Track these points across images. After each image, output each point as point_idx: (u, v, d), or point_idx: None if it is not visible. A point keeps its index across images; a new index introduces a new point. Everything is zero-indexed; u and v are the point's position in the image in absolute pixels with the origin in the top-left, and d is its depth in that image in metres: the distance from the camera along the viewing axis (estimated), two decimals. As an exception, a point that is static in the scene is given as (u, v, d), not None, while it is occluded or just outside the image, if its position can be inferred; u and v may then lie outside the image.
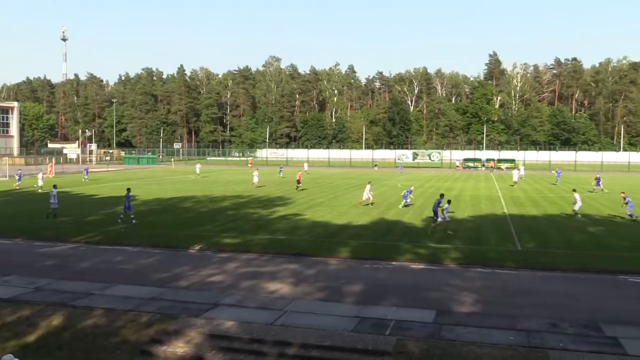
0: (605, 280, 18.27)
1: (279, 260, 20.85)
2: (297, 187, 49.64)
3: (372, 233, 26.60)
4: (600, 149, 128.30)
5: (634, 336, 12.88)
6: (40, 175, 51.43)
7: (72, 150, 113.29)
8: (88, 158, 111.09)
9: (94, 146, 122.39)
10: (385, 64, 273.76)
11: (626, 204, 32.70)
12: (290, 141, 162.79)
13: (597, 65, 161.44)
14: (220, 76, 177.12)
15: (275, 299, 15.86)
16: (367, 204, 36.74)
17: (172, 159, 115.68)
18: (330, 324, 13.60)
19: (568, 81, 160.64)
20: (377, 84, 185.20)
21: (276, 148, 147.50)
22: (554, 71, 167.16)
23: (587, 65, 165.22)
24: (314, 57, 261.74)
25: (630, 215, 31.70)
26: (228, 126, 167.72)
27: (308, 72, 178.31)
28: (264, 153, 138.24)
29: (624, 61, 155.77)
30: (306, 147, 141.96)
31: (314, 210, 34.78)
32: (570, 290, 17.14)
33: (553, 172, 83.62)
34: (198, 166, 76.86)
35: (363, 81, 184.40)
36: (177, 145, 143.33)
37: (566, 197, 44.15)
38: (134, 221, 29.12)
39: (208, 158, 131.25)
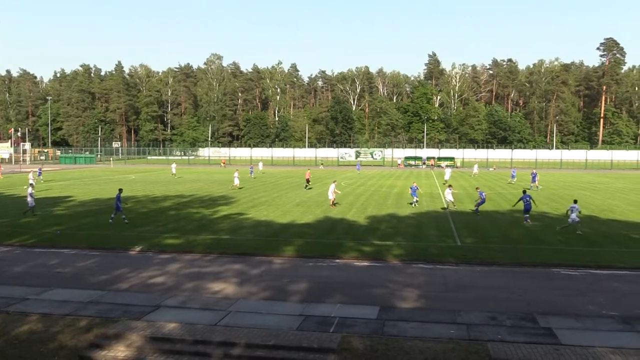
0: (540, 273, 18.97)
1: (223, 260, 20.65)
2: (307, 186, 49.72)
3: (316, 231, 26.69)
4: (534, 147, 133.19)
5: (567, 326, 13.44)
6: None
7: (4, 149, 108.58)
8: (22, 158, 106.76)
9: (27, 145, 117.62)
10: (328, 63, 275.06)
11: (479, 199, 34.49)
12: (233, 140, 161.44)
13: (531, 66, 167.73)
14: (160, 74, 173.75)
15: (219, 300, 15.71)
16: (335, 204, 36.78)
17: (111, 159, 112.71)
18: (275, 323, 13.58)
19: (504, 81, 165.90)
20: (320, 83, 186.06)
21: (219, 147, 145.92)
22: (491, 72, 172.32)
23: (522, 66, 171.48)
24: (257, 55, 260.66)
25: (476, 210, 33.62)
26: (169, 125, 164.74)
27: (250, 70, 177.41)
28: (206, 152, 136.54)
29: (556, 62, 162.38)
30: (249, 146, 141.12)
31: (257, 209, 34.61)
32: (508, 283, 17.71)
33: (491, 169, 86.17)
34: (174, 166, 72.26)
35: (306, 80, 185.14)
36: (116, 145, 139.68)
37: (503, 194, 45.62)
38: (125, 221, 28.78)
39: (148, 157, 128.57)
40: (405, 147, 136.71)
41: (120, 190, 31.66)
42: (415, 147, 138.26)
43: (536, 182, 51.23)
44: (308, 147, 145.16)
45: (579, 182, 61.33)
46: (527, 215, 29.99)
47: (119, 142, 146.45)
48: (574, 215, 26.93)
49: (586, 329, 13.36)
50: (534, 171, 56.54)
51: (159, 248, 22.74)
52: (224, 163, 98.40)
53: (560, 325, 13.47)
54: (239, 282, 17.60)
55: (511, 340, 12.49)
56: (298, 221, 29.75)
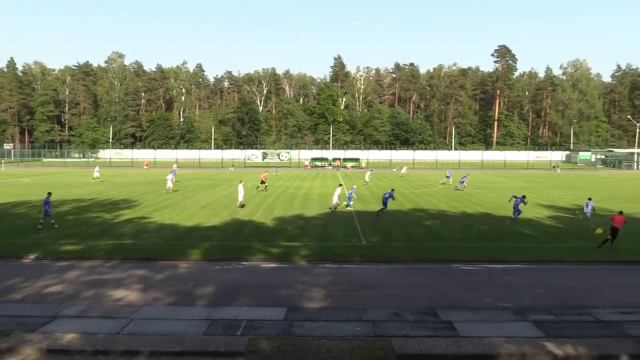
0: (441, 270, 19.77)
1: (126, 266, 19.93)
2: (262, 187, 48.94)
3: (223, 234, 26.38)
4: (435, 148, 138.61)
5: (466, 319, 14.09)
6: None
7: None
8: None
9: None
10: (234, 64, 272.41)
11: (348, 198, 36.70)
12: (136, 141, 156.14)
13: (431, 70, 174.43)
14: (57, 72, 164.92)
15: (122, 307, 15.15)
16: (242, 205, 36.34)
17: (2, 161, 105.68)
18: (181, 329, 13.28)
19: (406, 85, 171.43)
20: (226, 84, 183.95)
21: (120, 148, 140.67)
22: (394, 75, 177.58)
23: (423, 70, 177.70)
24: (161, 54, 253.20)
25: (348, 205, 36.14)
26: (67, 125, 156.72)
27: (154, 69, 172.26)
28: (107, 154, 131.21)
29: (454, 67, 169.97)
30: (153, 148, 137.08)
31: (161, 213, 33.69)
32: (411, 280, 18.32)
33: (399, 169, 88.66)
34: (96, 169, 65.86)
35: (212, 80, 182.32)
36: (7, 146, 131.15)
37: (407, 194, 47.07)
38: (55, 226, 27.37)
39: (44, 160, 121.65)
40: (312, 149, 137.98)
41: (49, 194, 29.70)
42: (322, 148, 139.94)
43: (449, 178, 52.61)
44: (214, 148, 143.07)
45: (476, 181, 64.46)
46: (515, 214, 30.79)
47: (11, 144, 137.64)
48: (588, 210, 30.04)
49: (483, 320, 14.07)
50: (449, 171, 59.87)
51: (56, 255, 21.58)
52: (146, 165, 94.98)
53: (460, 319, 14.10)
54: (142, 288, 17.05)
55: (414, 334, 12.93)
56: (204, 224, 29.27)
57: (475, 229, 28.27)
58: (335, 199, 35.33)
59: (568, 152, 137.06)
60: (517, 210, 30.91)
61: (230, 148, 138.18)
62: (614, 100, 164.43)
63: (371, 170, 69.04)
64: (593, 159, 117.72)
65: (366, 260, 21.02)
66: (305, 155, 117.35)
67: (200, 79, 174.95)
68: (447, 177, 61.57)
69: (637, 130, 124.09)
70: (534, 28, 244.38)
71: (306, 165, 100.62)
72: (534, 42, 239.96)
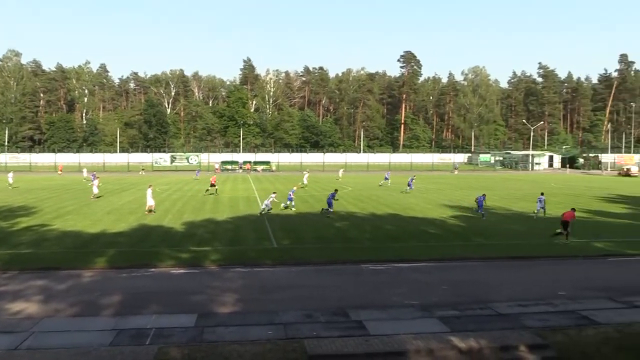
0: (351, 270, 20.13)
1: (24, 277, 18.81)
2: (212, 190, 49.06)
3: (130, 240, 25.52)
4: (344, 151, 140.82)
5: (375, 317, 14.42)
6: None
7: None
8: None
9: None
10: (141, 65, 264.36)
11: (290, 200, 37.67)
12: (35, 144, 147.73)
13: (340, 74, 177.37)
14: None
15: (20, 320, 14.28)
16: (152, 210, 35.19)
17: None
18: (86, 341, 12.70)
19: (316, 88, 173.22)
20: (132, 85, 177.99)
21: (17, 152, 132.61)
22: (304, 78, 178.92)
23: (332, 74, 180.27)
24: (61, 53, 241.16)
25: (286, 207, 37.15)
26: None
27: (54, 69, 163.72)
28: (3, 158, 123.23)
29: (362, 72, 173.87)
30: (53, 151, 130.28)
31: (63, 220, 32.09)
32: (322, 281, 18.53)
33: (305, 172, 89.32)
34: (10, 175, 60.61)
35: (117, 81, 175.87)
36: None
37: (316, 196, 47.56)
38: None
39: None
40: (222, 152, 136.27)
41: None
42: (232, 151, 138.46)
43: (412, 186, 52.84)
44: (120, 152, 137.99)
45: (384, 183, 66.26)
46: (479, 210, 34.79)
47: None
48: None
49: (392, 318, 14.46)
50: (387, 172, 64.27)
51: (-56, 267, 20.03)
52: (60, 170, 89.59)
53: (369, 317, 14.41)
54: (43, 300, 16.16)
55: (326, 335, 13.07)
56: (110, 230, 28.19)
57: (384, 230, 29.02)
58: (267, 203, 35.81)
59: (470, 154, 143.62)
60: (481, 206, 34.79)
61: (137, 151, 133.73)
62: (511, 105, 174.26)
63: (308, 172, 68.54)
64: (492, 161, 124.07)
65: (277, 262, 21.04)
66: (215, 158, 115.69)
67: (105, 80, 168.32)
68: (386, 178, 63.13)
69: (531, 133, 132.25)
70: (438, 35, 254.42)
71: (216, 169, 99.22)
72: (438, 49, 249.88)
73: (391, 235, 27.23)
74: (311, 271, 20.00)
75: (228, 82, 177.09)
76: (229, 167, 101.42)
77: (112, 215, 34.28)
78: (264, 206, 35.83)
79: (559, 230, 26.68)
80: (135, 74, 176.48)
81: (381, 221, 32.25)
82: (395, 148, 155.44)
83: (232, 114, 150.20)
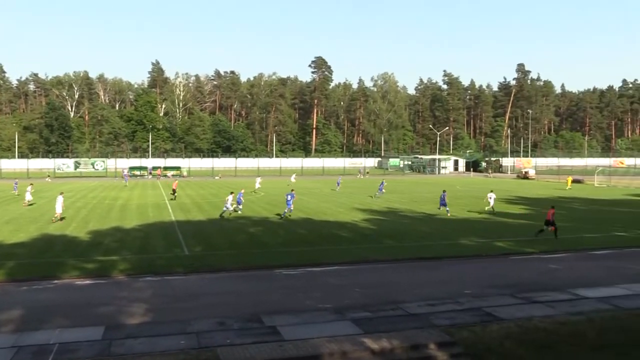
0: (264, 276, 20.06)
1: None
2: (172, 197, 48.85)
3: (30, 250, 24.12)
4: (257, 156, 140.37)
5: (289, 322, 14.44)
6: None
7: None
8: None
9: None
10: (41, 65, 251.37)
11: (238, 204, 38.11)
12: None
13: (252, 79, 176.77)
14: None
15: None
16: (62, 218, 33.25)
17: None
18: (-20, 360, 11.87)
19: (227, 92, 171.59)
20: (32, 87, 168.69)
21: None
22: (215, 82, 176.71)
23: (243, 78, 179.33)
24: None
25: (236, 210, 37.33)
26: None
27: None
28: None
29: (274, 77, 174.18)
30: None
31: (-46, 231, 29.88)
32: (236, 288, 18.34)
33: (217, 178, 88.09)
34: None
35: (14, 83, 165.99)
36: None
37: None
38: None
39: None
40: (130, 157, 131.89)
41: None
42: (141, 156, 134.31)
43: (382, 190, 52.90)
44: (18, 157, 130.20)
45: (297, 187, 66.51)
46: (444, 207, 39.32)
47: None
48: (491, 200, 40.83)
49: (305, 322, 14.52)
50: (339, 178, 66.04)
51: None
52: None
53: (284, 323, 14.41)
54: None
55: (239, 342, 12.93)
56: (7, 241, 26.51)
57: (297, 234, 29.16)
58: (228, 205, 36.07)
59: (380, 159, 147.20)
60: (443, 202, 39.49)
61: (37, 157, 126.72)
62: (418, 111, 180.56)
63: (260, 177, 67.24)
64: (401, 165, 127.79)
65: (189, 270, 20.62)
66: (122, 164, 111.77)
67: (1, 81, 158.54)
68: (338, 184, 64.24)
69: (438, 138, 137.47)
70: (348, 41, 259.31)
71: (125, 174, 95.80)
72: (348, 55, 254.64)
73: (304, 240, 27.40)
74: (224, 278, 19.75)
75: (136, 86, 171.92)
76: (138, 172, 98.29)
77: (10, 225, 32.29)
78: (225, 208, 36.13)
79: (542, 228, 28.77)
80: (35, 75, 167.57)
81: (294, 226, 32.38)
82: (307, 153, 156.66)
83: (140, 118, 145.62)
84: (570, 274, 20.57)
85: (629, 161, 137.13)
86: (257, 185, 59.24)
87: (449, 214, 37.85)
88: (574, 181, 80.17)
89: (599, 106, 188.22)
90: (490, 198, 41.47)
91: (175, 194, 49.53)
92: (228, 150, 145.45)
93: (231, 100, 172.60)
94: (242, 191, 41.79)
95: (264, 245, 25.92)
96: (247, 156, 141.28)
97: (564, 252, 24.99)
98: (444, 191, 41.13)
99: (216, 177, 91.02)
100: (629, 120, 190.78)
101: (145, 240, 27.20)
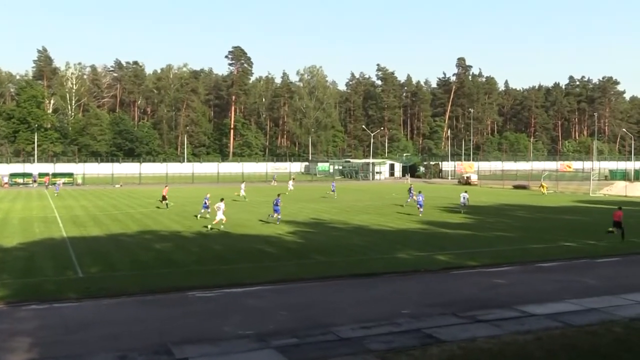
0: (174, 300, 19.66)
1: None
2: (164, 204, 50.50)
3: None
4: (165, 160, 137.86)
5: (204, 353, 14.17)
6: None
7: None
8: None
9: None
10: None
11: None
12: None
13: (159, 71, 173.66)
14: None
15: None
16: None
17: None
18: None
19: (130, 86, 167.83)
20: None
21: None
22: (115, 74, 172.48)
23: (149, 70, 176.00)
24: None
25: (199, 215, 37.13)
26: None
27: None
28: None
29: (185, 69, 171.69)
30: None
31: None
32: (140, 315, 17.86)
33: (118, 186, 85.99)
34: None
35: None
36: None
37: (131, 214, 45.99)
38: None
39: None
40: (11, 162, 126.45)
41: None
42: (24, 161, 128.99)
43: (414, 196, 51.72)
44: None
45: (211, 196, 65.79)
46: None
47: None
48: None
49: (223, 352, 14.31)
50: (333, 183, 68.78)
51: None
52: None
53: (197, 353, 14.14)
54: None
55: (144, 379, 12.62)
56: None
57: (213, 250, 28.84)
58: (220, 215, 36.63)
59: (307, 163, 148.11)
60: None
61: None
62: (349, 109, 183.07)
63: (244, 183, 68.37)
64: (331, 170, 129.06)
65: (84, 296, 19.93)
66: (2, 170, 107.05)
67: None
68: (333, 190, 65.96)
69: (371, 140, 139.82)
70: (270, 30, 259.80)
71: (4, 183, 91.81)
72: (270, 46, 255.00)
73: (221, 257, 27.13)
74: (127, 304, 19.21)
75: (18, 77, 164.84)
76: (20, 180, 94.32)
77: None
78: (219, 217, 36.72)
79: (611, 229, 32.00)
80: None
81: (209, 241, 32.02)
82: (224, 156, 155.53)
83: (23, 115, 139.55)
84: (516, 289, 21.34)
85: (576, 165, 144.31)
86: (243, 193, 61.12)
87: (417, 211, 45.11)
88: (516, 187, 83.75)
89: (545, 105, 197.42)
90: (464, 198, 47.61)
91: (167, 201, 50.89)
92: (131, 154, 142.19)
93: (134, 95, 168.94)
94: (208, 195, 44.05)
95: (173, 264, 25.44)
96: (154, 161, 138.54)
97: (509, 265, 25.93)
98: (418, 191, 48.79)
99: (117, 186, 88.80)
100: (576, 120, 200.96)
101: (29, 261, 26.11)
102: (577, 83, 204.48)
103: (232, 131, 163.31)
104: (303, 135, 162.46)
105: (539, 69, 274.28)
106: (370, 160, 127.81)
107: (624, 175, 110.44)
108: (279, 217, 39.97)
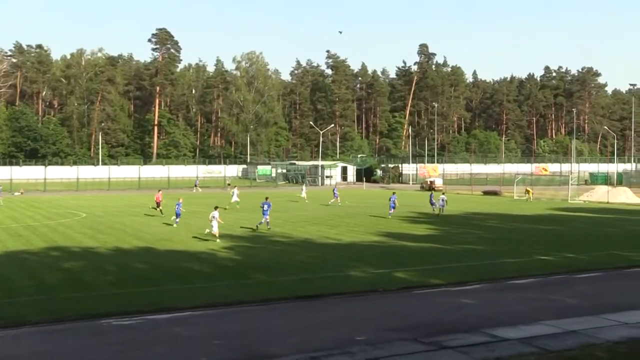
0: (86, 328, 19.30)
1: None
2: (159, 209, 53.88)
3: None
4: (76, 163, 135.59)
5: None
6: None
7: None
8: None
9: None
10: None
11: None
12: None
13: (69, 56, 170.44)
14: None
15: None
16: None
17: None
18: None
19: (33, 75, 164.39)
20: None
21: None
22: (14, 60, 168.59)
23: (56, 55, 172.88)
24: None
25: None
26: None
27: None
28: None
29: (100, 54, 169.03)
30: None
31: None
32: (45, 348, 17.50)
33: (17, 193, 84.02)
34: None
35: None
36: None
37: (34, 227, 45.03)
38: None
39: None
40: None
41: None
42: None
43: (443, 203, 56.39)
44: None
45: (131, 205, 65.08)
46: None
47: None
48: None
49: (145, 391, 14.19)
50: (335, 189, 72.71)
51: None
52: None
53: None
54: None
55: None
56: None
57: (133, 270, 28.45)
58: (215, 226, 37.98)
59: (245, 166, 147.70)
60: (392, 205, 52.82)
61: None
62: (295, 103, 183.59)
63: (231, 187, 72.24)
64: (274, 174, 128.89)
65: (-23, 326, 19.44)
66: None
67: None
68: (335, 196, 68.08)
69: (321, 139, 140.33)
70: (199, 10, 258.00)
71: None
72: (201, 28, 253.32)
73: (143, 277, 26.78)
74: (29, 335, 18.79)
75: None
76: None
77: None
78: (213, 227, 38.02)
79: None
80: None
81: (129, 258, 31.60)
82: (147, 158, 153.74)
83: None
84: (486, 310, 21.69)
85: (553, 167, 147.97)
86: (235, 199, 63.08)
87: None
88: (487, 192, 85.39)
89: (518, 99, 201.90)
90: (442, 200, 54.29)
91: (160, 208, 53.87)
92: (34, 156, 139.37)
93: (38, 85, 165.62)
94: (181, 201, 46.63)
95: (86, 286, 25.00)
96: (62, 163, 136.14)
97: (478, 283, 26.35)
98: (394, 194, 54.11)
99: (16, 193, 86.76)
100: (553, 116, 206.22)
101: None
102: (554, 74, 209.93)
103: (156, 128, 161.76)
104: (240, 133, 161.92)
105: (511, 58, 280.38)
106: (319, 162, 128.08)
107: (606, 179, 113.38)
108: (268, 220, 43.88)
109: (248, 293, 23.90)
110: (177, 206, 45.84)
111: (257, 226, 43.83)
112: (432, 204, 57.76)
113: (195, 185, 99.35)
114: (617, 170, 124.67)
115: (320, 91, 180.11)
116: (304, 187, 75.97)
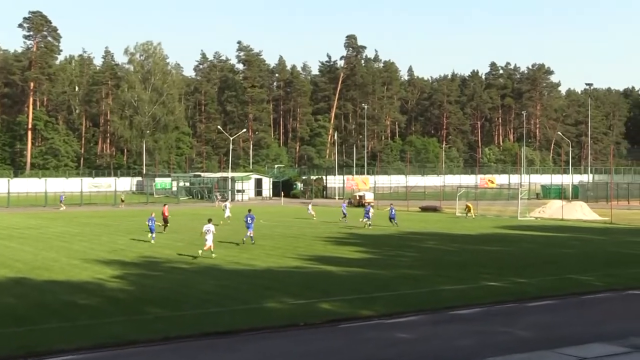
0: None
1: None
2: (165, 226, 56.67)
3: None
4: None
5: None
6: None
7: None
8: None
9: None
10: None
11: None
12: None
13: None
14: None
15: None
16: None
17: None
18: None
19: None
20: None
21: None
22: None
23: None
24: None
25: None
26: None
27: None
28: None
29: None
30: None
31: None
32: None
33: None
34: None
35: None
36: None
37: None
38: None
39: None
40: None
41: None
42: None
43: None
44: None
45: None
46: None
47: None
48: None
49: None
50: (344, 204, 74.66)
51: None
52: None
53: None
54: None
55: None
56: None
57: (1, 306, 27.73)
58: (210, 240, 41.14)
59: (140, 178, 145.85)
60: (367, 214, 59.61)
61: None
62: (200, 103, 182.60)
63: (223, 200, 74.64)
64: (174, 188, 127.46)
65: None
66: None
67: None
68: (344, 214, 68.98)
69: (231, 146, 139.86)
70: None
71: None
72: (87, 11, 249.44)
73: (14, 314, 26.13)
74: None
75: None
76: None
77: None
78: (207, 241, 41.25)
79: None
80: None
81: (-5, 291, 30.79)
82: (18, 169, 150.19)
83: None
84: (425, 345, 21.94)
85: (500, 179, 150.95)
86: (228, 214, 67.09)
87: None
88: (425, 209, 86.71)
89: (460, 100, 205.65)
90: (368, 212, 60.71)
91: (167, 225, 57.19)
92: None
93: None
94: (153, 215, 50.30)
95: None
96: None
97: (415, 314, 26.58)
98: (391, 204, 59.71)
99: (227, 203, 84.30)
100: (500, 120, 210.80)
101: None
102: (501, 72, 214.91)
103: (29, 133, 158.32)
104: (134, 140, 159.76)
105: (452, 53, 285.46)
106: (229, 174, 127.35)
107: (560, 193, 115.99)
108: (252, 235, 47.66)
109: (144, 331, 23.54)
110: (149, 221, 49.03)
111: (243, 240, 47.56)
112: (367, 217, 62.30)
113: (61, 201, 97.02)
114: (573, 182, 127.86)
115: (230, 90, 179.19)
116: (227, 204, 75.29)
